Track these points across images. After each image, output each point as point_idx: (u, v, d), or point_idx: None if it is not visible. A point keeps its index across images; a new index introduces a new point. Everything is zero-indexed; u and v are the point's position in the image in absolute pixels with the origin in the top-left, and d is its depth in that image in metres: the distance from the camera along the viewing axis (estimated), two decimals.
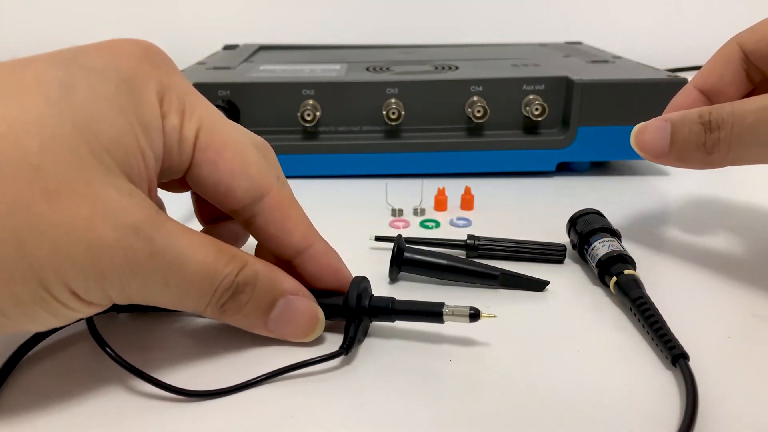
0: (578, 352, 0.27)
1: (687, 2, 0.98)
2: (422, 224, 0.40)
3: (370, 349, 0.27)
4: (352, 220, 0.41)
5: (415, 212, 0.42)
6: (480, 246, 0.34)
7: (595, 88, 0.45)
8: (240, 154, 0.24)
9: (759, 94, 0.31)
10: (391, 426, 0.22)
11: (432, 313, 0.26)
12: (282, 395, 0.24)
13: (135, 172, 0.21)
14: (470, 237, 0.35)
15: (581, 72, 0.48)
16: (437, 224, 0.40)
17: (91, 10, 0.94)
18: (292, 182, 0.38)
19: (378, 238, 0.36)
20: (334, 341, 0.27)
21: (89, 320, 0.25)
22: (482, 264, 0.32)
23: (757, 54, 0.32)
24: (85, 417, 0.23)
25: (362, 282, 0.27)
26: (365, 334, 0.27)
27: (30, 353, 0.26)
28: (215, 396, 0.24)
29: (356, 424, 0.22)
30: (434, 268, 0.32)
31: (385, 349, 0.27)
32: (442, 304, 0.26)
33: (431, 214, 0.42)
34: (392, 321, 0.27)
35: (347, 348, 0.25)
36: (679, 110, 0.32)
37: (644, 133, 0.31)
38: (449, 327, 0.28)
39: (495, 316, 0.26)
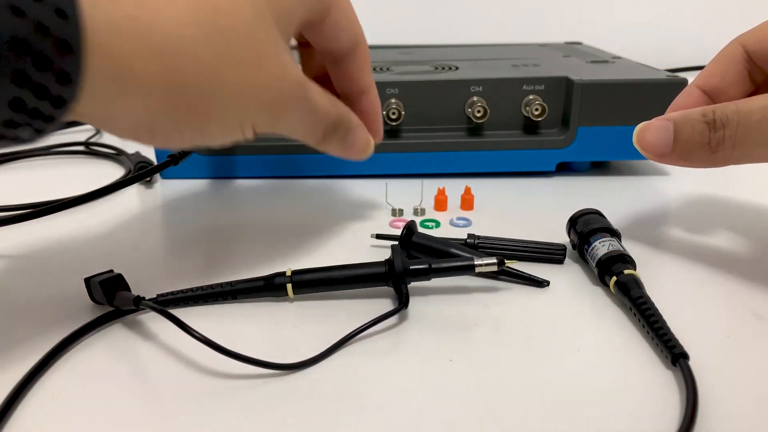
0: (578, 352, 0.27)
1: (687, 2, 0.98)
2: (422, 224, 0.40)
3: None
4: (352, 220, 0.41)
5: (415, 212, 0.42)
6: (480, 245, 0.34)
7: (595, 88, 0.45)
8: (351, 14, 0.32)
9: (761, 93, 0.31)
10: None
11: (465, 267, 0.30)
12: (360, 356, 0.27)
13: (291, 31, 0.29)
14: (470, 236, 0.35)
15: (581, 72, 0.48)
16: (437, 224, 0.40)
17: None
18: (292, 182, 0.39)
19: (379, 236, 0.36)
20: (362, 312, 0.27)
21: (166, 312, 0.26)
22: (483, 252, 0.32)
23: (760, 54, 0.32)
24: (171, 400, 0.23)
25: (402, 251, 0.31)
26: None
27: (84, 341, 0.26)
28: (302, 367, 0.25)
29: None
30: (439, 254, 0.33)
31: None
32: (472, 258, 0.30)
33: (431, 214, 0.42)
34: (429, 279, 0.31)
35: (405, 303, 0.29)
36: (682, 110, 0.32)
37: (647, 132, 0.31)
38: (449, 326, 0.28)
39: (517, 261, 0.32)
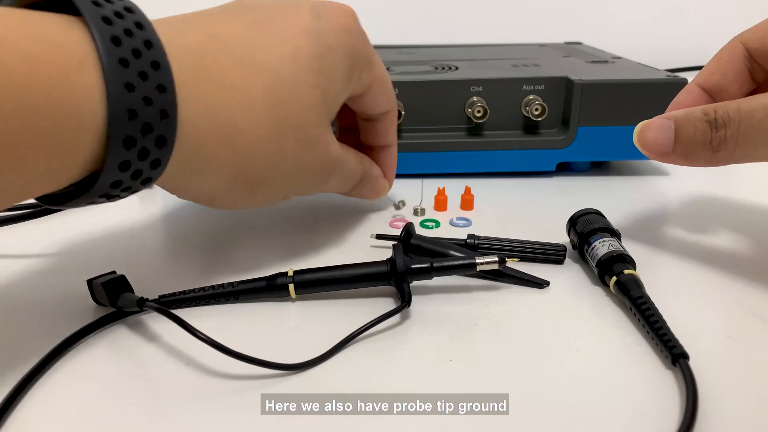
0: (578, 352, 0.27)
1: (687, 2, 0.98)
2: (422, 224, 0.40)
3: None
4: (352, 220, 0.41)
5: (415, 212, 0.42)
6: (480, 245, 0.35)
7: (595, 88, 0.45)
8: (387, 85, 0.36)
9: (762, 92, 0.31)
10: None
11: (467, 266, 0.30)
12: (362, 355, 0.27)
13: (335, 112, 0.32)
14: (470, 236, 0.35)
15: (581, 72, 0.48)
16: (437, 224, 0.40)
17: None
18: None
19: (379, 236, 0.36)
20: (366, 311, 0.27)
21: (170, 313, 0.26)
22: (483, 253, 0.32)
23: (761, 52, 0.32)
24: (176, 401, 0.23)
25: (403, 251, 0.32)
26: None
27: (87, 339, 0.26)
28: (306, 367, 0.26)
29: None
30: (438, 256, 0.33)
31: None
32: (473, 257, 0.30)
33: (431, 214, 0.42)
34: (431, 278, 0.31)
35: (408, 301, 0.29)
36: (682, 108, 0.31)
37: (647, 131, 0.31)
38: (449, 326, 0.28)
39: (518, 259, 0.32)
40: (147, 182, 0.26)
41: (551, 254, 0.34)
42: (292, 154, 0.30)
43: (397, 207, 0.42)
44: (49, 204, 0.25)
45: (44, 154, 0.22)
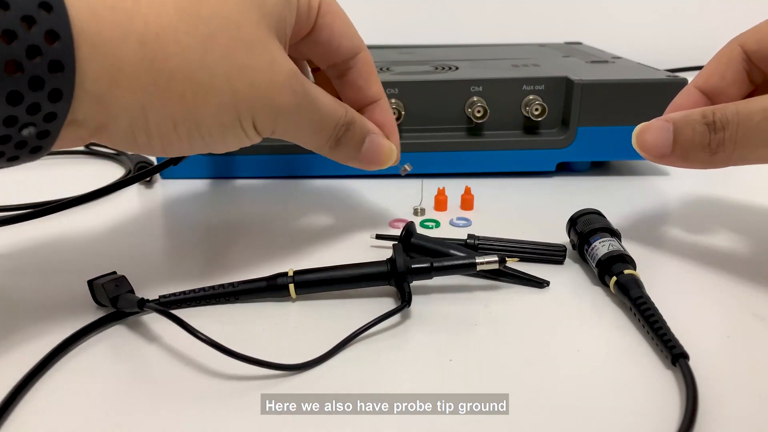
0: (578, 352, 0.27)
1: (687, 2, 0.98)
2: (422, 224, 0.40)
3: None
4: (352, 220, 0.41)
5: (415, 212, 0.42)
6: (480, 246, 0.35)
7: (595, 88, 0.45)
8: (346, 20, 0.32)
9: (760, 94, 0.31)
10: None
11: (467, 265, 0.30)
12: (362, 355, 0.27)
13: (281, 34, 0.28)
14: (470, 236, 0.35)
15: (581, 72, 0.48)
16: (437, 224, 0.40)
17: None
18: (292, 182, 0.39)
19: (379, 236, 0.36)
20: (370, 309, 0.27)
21: (171, 314, 0.26)
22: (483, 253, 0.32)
23: (759, 54, 0.32)
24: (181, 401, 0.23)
25: (403, 251, 0.31)
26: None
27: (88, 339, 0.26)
28: (307, 368, 0.25)
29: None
30: (438, 256, 0.32)
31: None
32: (473, 256, 0.30)
33: (431, 214, 0.42)
34: (431, 278, 0.31)
35: (408, 301, 0.29)
36: (681, 111, 0.31)
37: (646, 133, 0.31)
38: (449, 326, 0.29)
39: (518, 259, 0.32)
40: (44, 136, 0.23)
41: (551, 254, 0.34)
42: (219, 50, 0.25)
43: (404, 171, 0.39)
44: None
45: None
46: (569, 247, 0.35)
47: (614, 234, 0.33)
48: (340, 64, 0.33)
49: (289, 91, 0.28)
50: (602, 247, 0.32)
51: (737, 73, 0.32)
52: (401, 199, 0.43)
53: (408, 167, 0.39)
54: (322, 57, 0.32)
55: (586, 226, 0.34)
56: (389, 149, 0.33)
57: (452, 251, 0.33)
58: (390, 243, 0.36)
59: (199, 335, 0.25)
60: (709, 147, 0.29)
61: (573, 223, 0.35)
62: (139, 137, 0.25)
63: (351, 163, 0.33)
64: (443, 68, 0.52)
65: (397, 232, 0.35)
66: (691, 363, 0.25)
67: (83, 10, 0.22)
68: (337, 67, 0.33)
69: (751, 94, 0.33)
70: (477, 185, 0.44)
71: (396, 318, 0.29)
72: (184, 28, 0.24)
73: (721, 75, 0.33)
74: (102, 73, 0.23)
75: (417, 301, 0.30)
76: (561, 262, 0.34)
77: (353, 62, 0.33)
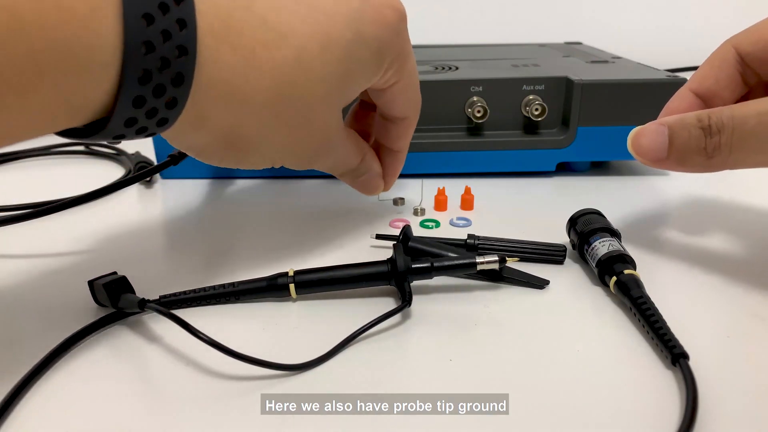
0: (578, 352, 0.27)
1: (687, 2, 0.98)
2: (422, 224, 0.40)
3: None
4: (352, 220, 0.41)
5: (415, 212, 0.42)
6: (480, 245, 0.35)
7: (595, 88, 0.45)
8: (410, 99, 0.35)
9: (754, 97, 0.31)
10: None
11: (467, 265, 0.30)
12: (362, 355, 0.27)
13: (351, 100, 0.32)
14: (470, 236, 0.35)
15: (581, 72, 0.48)
16: (437, 224, 0.40)
17: None
18: (292, 182, 0.39)
19: (378, 236, 0.36)
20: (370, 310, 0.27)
21: (172, 315, 0.26)
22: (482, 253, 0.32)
23: (753, 57, 0.31)
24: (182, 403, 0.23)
25: (403, 251, 0.32)
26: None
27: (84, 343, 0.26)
28: (308, 368, 0.26)
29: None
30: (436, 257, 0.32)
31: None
32: (474, 256, 0.30)
33: (431, 214, 0.42)
34: (431, 278, 0.31)
35: (409, 301, 0.29)
36: (675, 114, 0.32)
37: (641, 137, 0.31)
38: (449, 326, 0.29)
39: (518, 259, 0.32)
40: (163, 124, 0.25)
41: (551, 254, 0.34)
42: (288, 127, 0.29)
43: (396, 203, 0.42)
44: (72, 137, 0.25)
45: (63, 84, 0.21)
46: (569, 247, 0.35)
47: (614, 234, 0.33)
48: (388, 119, 0.36)
49: (322, 153, 0.32)
50: (602, 247, 0.32)
51: (731, 75, 0.32)
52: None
53: (401, 202, 0.43)
54: (378, 105, 0.36)
55: (586, 226, 0.34)
56: (376, 187, 0.38)
57: (451, 254, 0.33)
58: (390, 243, 0.36)
59: (200, 335, 0.25)
60: (705, 151, 0.29)
61: (573, 223, 0.35)
62: (190, 153, 0.30)
63: (344, 181, 0.37)
64: (443, 68, 0.52)
65: (397, 232, 0.35)
66: (691, 363, 0.25)
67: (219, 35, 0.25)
68: (388, 118, 0.36)
69: (745, 96, 0.33)
70: (477, 185, 0.44)
71: (396, 318, 0.29)
72: (269, 104, 0.27)
73: (715, 77, 0.32)
74: (190, 121, 0.26)
75: (417, 301, 0.30)
76: (561, 262, 0.34)
77: (399, 121, 0.36)
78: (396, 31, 0.30)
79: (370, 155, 0.37)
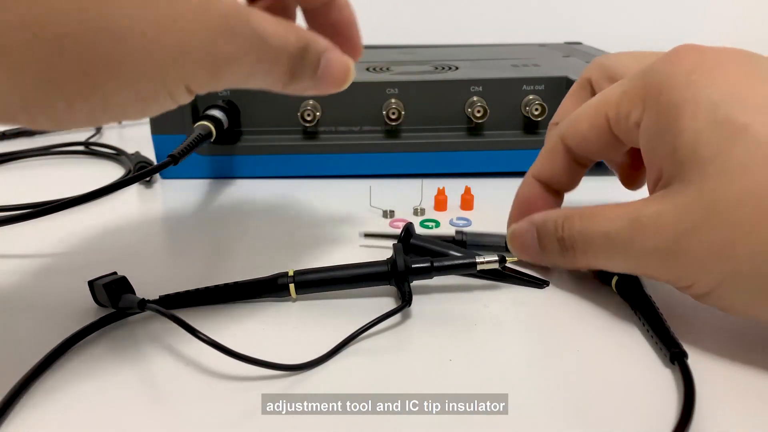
0: (578, 352, 0.27)
1: (687, 2, 0.98)
2: (422, 224, 0.40)
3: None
4: (352, 220, 0.41)
5: (415, 212, 0.42)
6: (469, 243, 0.35)
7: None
8: None
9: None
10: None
11: (467, 265, 0.30)
12: (362, 356, 0.27)
13: None
14: (458, 233, 0.35)
15: (581, 72, 0.48)
16: (437, 224, 0.40)
17: None
18: (291, 182, 0.39)
19: (368, 235, 0.36)
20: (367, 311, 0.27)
21: (172, 315, 0.26)
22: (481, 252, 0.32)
23: (576, 149, 0.31)
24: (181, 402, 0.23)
25: (403, 250, 0.31)
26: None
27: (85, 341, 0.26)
28: (308, 368, 0.25)
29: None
30: (437, 256, 0.32)
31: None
32: (474, 256, 0.30)
33: (431, 214, 0.42)
34: (431, 278, 0.31)
35: (409, 301, 0.29)
36: (526, 202, 0.33)
37: (516, 238, 0.31)
38: (449, 327, 0.29)
39: (518, 259, 0.31)
40: None
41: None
42: (126, 3, 0.19)
43: (386, 216, 0.41)
44: None
45: None
46: None
47: None
48: None
49: (229, 37, 0.21)
50: None
51: (564, 163, 0.32)
52: (401, 199, 0.43)
53: (390, 214, 0.41)
54: None
55: None
56: (344, 66, 0.27)
57: (451, 252, 0.33)
58: (384, 243, 0.36)
59: (200, 336, 0.25)
60: (566, 259, 0.29)
61: None
62: (20, 117, 0.20)
63: (308, 92, 0.27)
64: (443, 68, 0.52)
65: (397, 231, 0.35)
66: (690, 362, 0.25)
67: None
68: None
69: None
70: (477, 185, 0.44)
71: (396, 318, 0.29)
72: None
73: (551, 167, 0.32)
74: None
75: (417, 301, 0.30)
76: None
77: None
78: None
79: (305, 32, 0.26)
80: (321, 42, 0.26)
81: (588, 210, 0.28)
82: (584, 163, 0.32)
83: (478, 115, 0.46)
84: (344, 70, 0.27)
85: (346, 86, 0.28)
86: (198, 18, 0.20)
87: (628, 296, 0.29)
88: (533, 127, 0.48)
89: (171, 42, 0.20)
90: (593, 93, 0.33)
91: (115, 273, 0.30)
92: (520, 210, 0.33)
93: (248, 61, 0.23)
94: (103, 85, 0.19)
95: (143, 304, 0.27)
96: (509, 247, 0.32)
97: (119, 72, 0.19)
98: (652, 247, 0.25)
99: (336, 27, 0.28)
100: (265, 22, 0.23)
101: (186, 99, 0.22)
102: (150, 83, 0.20)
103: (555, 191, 0.33)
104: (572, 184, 0.33)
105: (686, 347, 0.25)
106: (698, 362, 0.25)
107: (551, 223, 0.29)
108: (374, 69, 0.52)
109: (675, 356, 0.25)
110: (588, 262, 0.28)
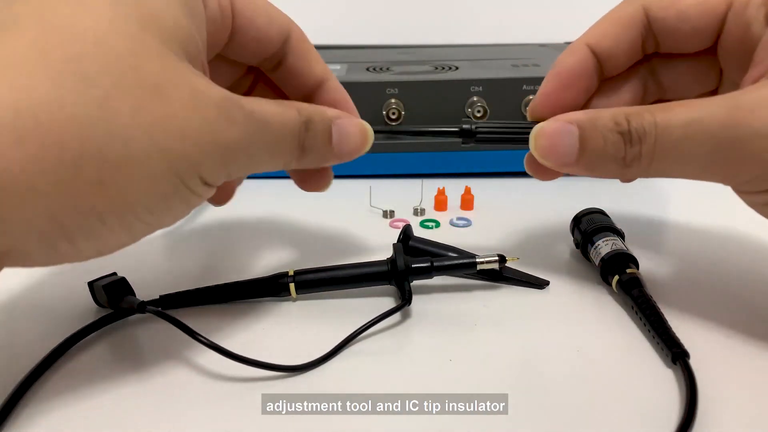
0: (578, 351, 0.27)
1: None
2: (422, 224, 0.40)
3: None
4: (352, 220, 0.41)
5: (415, 212, 0.42)
6: (479, 130, 0.29)
7: None
8: (266, 7, 0.27)
9: (645, 65, 0.29)
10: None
11: (467, 265, 0.30)
12: (362, 356, 0.27)
13: (194, 56, 0.23)
14: (465, 121, 0.30)
15: None
16: (437, 224, 0.40)
17: None
18: (292, 182, 0.38)
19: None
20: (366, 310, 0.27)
21: (171, 318, 0.26)
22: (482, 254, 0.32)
23: (662, 23, 0.27)
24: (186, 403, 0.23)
25: (402, 250, 0.31)
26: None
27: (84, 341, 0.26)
28: (308, 368, 0.25)
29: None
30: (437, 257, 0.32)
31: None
32: (474, 256, 0.30)
33: (431, 214, 0.42)
34: (431, 277, 0.30)
35: (409, 300, 0.29)
36: (571, 76, 0.28)
37: (544, 137, 0.26)
38: (449, 326, 0.28)
39: (518, 259, 0.31)
40: None
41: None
42: (129, 108, 0.19)
43: (386, 216, 0.41)
44: None
45: None
46: (573, 246, 0.35)
47: (618, 233, 0.33)
48: (273, 54, 0.28)
49: (228, 124, 0.22)
50: (605, 246, 0.32)
51: (633, 39, 0.28)
52: (401, 199, 0.43)
53: (391, 214, 0.40)
54: (251, 55, 0.28)
55: (590, 225, 0.34)
56: (362, 128, 0.28)
57: (452, 254, 0.33)
58: (389, 243, 0.36)
59: (200, 338, 0.25)
60: (624, 160, 0.25)
61: (577, 221, 0.35)
62: (61, 246, 0.20)
63: (326, 162, 0.27)
64: (443, 68, 0.52)
65: (397, 232, 0.35)
66: (692, 362, 0.24)
67: None
68: (271, 59, 0.28)
69: (638, 63, 0.30)
70: (477, 185, 0.44)
71: (396, 318, 0.29)
72: (71, 99, 0.19)
73: (616, 38, 0.28)
74: None
75: (417, 301, 0.30)
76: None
77: (287, 47, 0.28)
78: None
79: (307, 105, 0.26)
80: (328, 111, 0.27)
81: (661, 104, 0.25)
82: (648, 47, 0.28)
83: (478, 115, 0.46)
84: (361, 133, 0.27)
85: (366, 149, 0.28)
86: (195, 110, 0.21)
87: (630, 296, 0.29)
88: None
89: (174, 136, 0.21)
90: (646, 23, 0.28)
91: (114, 274, 0.30)
92: (561, 87, 0.28)
93: (253, 144, 0.23)
94: (123, 193, 0.20)
95: (143, 307, 0.27)
96: (531, 147, 0.27)
97: (132, 177, 0.20)
98: (761, 128, 0.22)
99: (333, 104, 0.29)
100: (259, 104, 0.24)
101: (206, 192, 0.23)
102: (165, 180, 0.21)
103: (600, 75, 0.29)
104: (619, 69, 0.29)
105: (687, 347, 0.25)
106: (700, 362, 0.25)
107: (608, 118, 0.25)
108: (374, 69, 0.52)
109: (677, 356, 0.25)
110: (653, 161, 0.24)
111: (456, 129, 0.29)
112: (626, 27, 0.28)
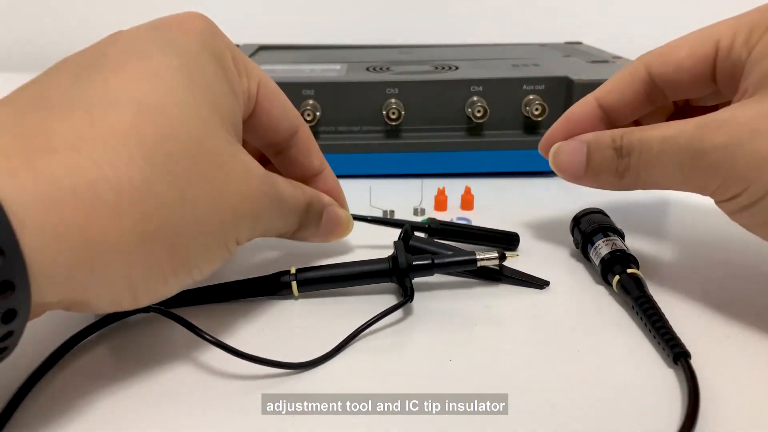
0: (578, 352, 0.27)
1: (686, 2, 0.98)
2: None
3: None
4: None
5: (415, 212, 0.42)
6: (440, 228, 0.35)
7: (595, 88, 0.45)
8: (283, 101, 0.31)
9: (660, 115, 0.33)
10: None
11: (467, 261, 0.30)
12: (362, 355, 0.27)
13: (238, 134, 0.27)
14: (431, 219, 0.35)
15: (581, 72, 0.48)
16: None
17: (91, 8, 0.94)
18: None
19: (355, 217, 0.35)
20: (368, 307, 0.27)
21: (176, 316, 0.26)
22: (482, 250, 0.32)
23: (662, 77, 0.31)
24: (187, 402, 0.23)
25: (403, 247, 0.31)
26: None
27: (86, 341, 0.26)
28: (311, 366, 0.25)
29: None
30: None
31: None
32: (474, 253, 0.30)
33: (431, 214, 0.42)
34: (432, 274, 0.31)
35: (411, 296, 0.29)
36: (576, 120, 0.33)
37: (561, 154, 0.32)
38: (449, 327, 0.28)
39: (517, 255, 0.32)
40: (7, 337, 0.21)
41: (504, 240, 0.35)
42: (200, 187, 0.23)
43: (385, 214, 0.41)
44: None
45: None
46: (573, 246, 0.35)
47: (617, 233, 0.33)
48: (279, 143, 0.32)
49: (265, 197, 0.27)
50: (605, 246, 0.32)
51: (637, 92, 0.32)
52: (401, 199, 0.43)
53: (391, 213, 0.40)
54: (260, 138, 0.31)
55: (590, 225, 0.33)
56: (346, 219, 0.34)
57: (449, 251, 0.33)
58: (389, 242, 0.36)
59: (204, 335, 0.25)
60: (617, 172, 0.29)
61: (576, 222, 0.35)
62: (124, 300, 0.23)
63: (311, 239, 0.33)
64: (443, 68, 0.52)
65: (397, 232, 0.35)
66: (693, 362, 0.24)
67: (37, 203, 0.19)
68: (276, 146, 0.32)
69: (651, 115, 0.33)
70: (477, 185, 0.44)
71: (396, 318, 0.29)
72: (158, 176, 0.22)
73: (621, 92, 0.32)
74: (74, 261, 0.20)
75: (417, 301, 0.30)
76: (514, 248, 0.35)
77: (293, 141, 0.32)
78: (213, 32, 0.27)
79: (309, 189, 0.32)
80: (324, 198, 0.32)
81: (649, 125, 0.29)
82: (655, 99, 0.32)
83: (479, 115, 0.46)
84: (342, 221, 0.33)
85: (346, 234, 0.34)
86: (246, 184, 0.25)
87: (630, 296, 0.29)
88: (533, 127, 0.48)
89: (228, 207, 0.25)
90: (648, 78, 0.32)
91: None
92: (567, 128, 0.33)
93: (271, 216, 0.28)
94: (186, 254, 0.23)
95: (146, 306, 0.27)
96: (551, 164, 0.32)
97: (196, 240, 0.24)
98: (720, 143, 0.25)
99: (326, 193, 0.33)
100: (283, 184, 0.29)
101: (234, 251, 0.26)
102: (216, 243, 0.25)
103: (609, 122, 0.33)
104: (629, 118, 0.33)
105: (688, 347, 0.25)
106: (701, 362, 0.25)
107: (607, 137, 0.30)
108: (374, 69, 0.52)
109: (678, 356, 0.25)
110: (640, 173, 0.29)
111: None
112: (629, 83, 0.32)
